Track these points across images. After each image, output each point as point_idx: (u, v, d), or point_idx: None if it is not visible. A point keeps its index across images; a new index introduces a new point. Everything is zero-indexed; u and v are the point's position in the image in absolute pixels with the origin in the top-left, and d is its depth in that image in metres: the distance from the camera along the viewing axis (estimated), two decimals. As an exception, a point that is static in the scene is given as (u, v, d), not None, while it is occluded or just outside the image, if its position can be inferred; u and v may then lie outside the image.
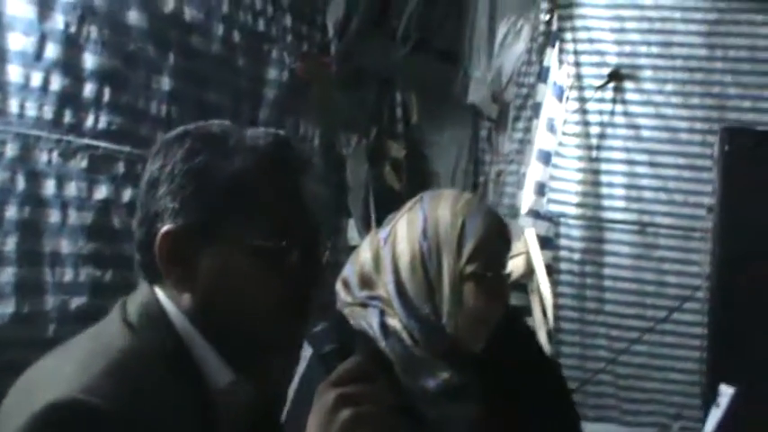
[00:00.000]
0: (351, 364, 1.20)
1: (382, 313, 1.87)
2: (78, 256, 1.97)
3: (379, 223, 2.80)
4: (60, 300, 1.92)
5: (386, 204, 3.00)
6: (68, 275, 1.94)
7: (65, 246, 1.93)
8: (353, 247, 2.66)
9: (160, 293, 1.21)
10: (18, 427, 1.03)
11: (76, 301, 1.95)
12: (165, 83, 2.18)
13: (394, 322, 1.86)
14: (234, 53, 2.41)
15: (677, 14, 4.16)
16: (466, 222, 1.86)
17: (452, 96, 3.31)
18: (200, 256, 1.18)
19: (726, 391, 2.17)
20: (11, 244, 1.81)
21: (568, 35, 4.27)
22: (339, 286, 1.96)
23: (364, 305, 1.88)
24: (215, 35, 2.34)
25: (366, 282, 1.89)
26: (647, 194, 4.20)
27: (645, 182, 4.20)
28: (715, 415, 2.16)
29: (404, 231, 1.89)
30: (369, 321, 1.86)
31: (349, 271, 1.94)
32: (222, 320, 1.20)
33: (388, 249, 1.89)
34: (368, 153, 2.93)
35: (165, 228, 1.17)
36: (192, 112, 2.24)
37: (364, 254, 1.93)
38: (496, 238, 1.89)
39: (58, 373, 1.11)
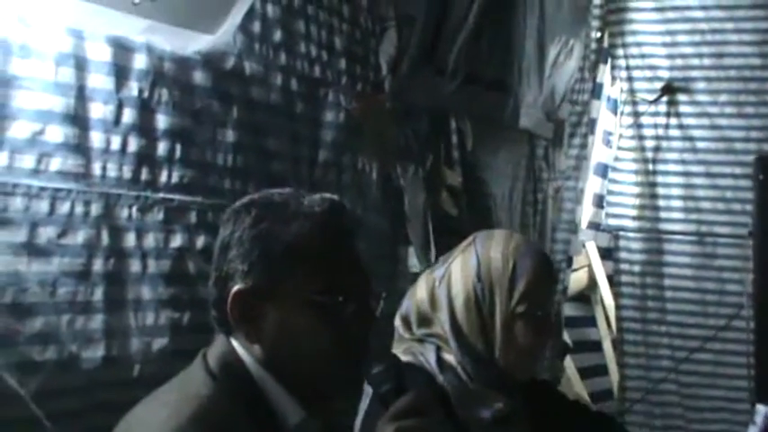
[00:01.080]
0: (406, 401, 1.34)
1: (439, 349, 2.00)
2: (158, 302, 2.05)
3: (438, 250, 2.93)
4: (144, 342, 2.01)
5: (444, 230, 3.13)
6: (150, 319, 2.04)
7: (146, 292, 2.03)
8: (415, 274, 2.79)
9: (236, 344, 1.37)
10: None
11: (158, 343, 2.04)
12: (230, 135, 2.27)
13: (450, 358, 1.99)
14: (292, 100, 2.49)
15: (729, 25, 4.20)
16: (516, 265, 1.98)
17: (505, 122, 3.41)
18: (267, 312, 1.34)
19: (762, 410, 2.24)
20: (99, 294, 1.91)
21: (620, 51, 4.36)
22: (398, 322, 2.09)
23: (421, 341, 2.02)
24: (274, 85, 2.43)
25: (423, 319, 2.02)
26: (705, 205, 4.24)
27: (702, 192, 4.25)
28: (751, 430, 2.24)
29: (458, 272, 2.01)
30: (426, 357, 2.00)
31: (407, 308, 2.08)
32: (289, 367, 1.35)
33: (444, 289, 2.01)
34: (424, 182, 3.02)
35: (236, 288, 1.34)
36: (255, 160, 2.34)
37: (420, 292, 2.06)
38: (544, 279, 2.01)
39: (153, 419, 1.27)
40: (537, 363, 2.04)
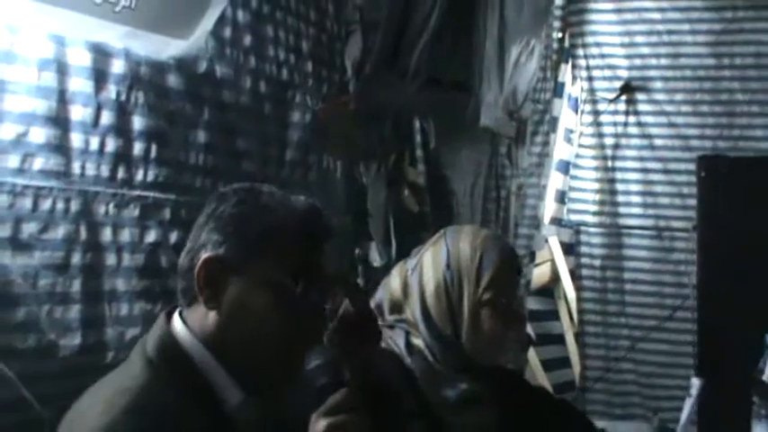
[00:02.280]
0: (340, 396, 1.42)
1: (408, 334, 2.12)
2: (132, 293, 2.13)
3: (399, 245, 3.05)
4: (118, 331, 2.09)
5: (406, 226, 3.24)
6: (124, 310, 2.11)
7: (121, 284, 2.11)
8: (376, 269, 2.91)
9: (176, 326, 1.42)
10: None
11: (131, 332, 2.11)
12: (202, 135, 2.36)
13: (418, 342, 2.11)
14: (261, 102, 2.59)
15: (685, 26, 4.36)
16: (483, 256, 2.11)
17: (466, 122, 3.54)
18: (231, 282, 1.40)
19: (695, 383, 2.42)
20: (76, 285, 1.99)
21: (580, 51, 4.50)
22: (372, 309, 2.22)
23: (392, 327, 2.15)
24: (243, 88, 2.52)
25: (395, 307, 2.15)
26: (662, 200, 4.40)
27: (659, 188, 4.40)
28: (688, 403, 2.42)
29: (429, 262, 2.14)
30: (396, 341, 2.12)
31: (381, 296, 2.20)
32: (237, 341, 1.40)
33: (416, 277, 2.14)
34: (386, 180, 3.13)
35: (207, 254, 1.40)
36: (226, 159, 2.44)
37: (394, 282, 2.19)
38: (509, 269, 2.14)
39: (89, 413, 1.32)
40: (501, 348, 2.16)
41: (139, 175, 2.17)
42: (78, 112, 2.01)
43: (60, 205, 1.96)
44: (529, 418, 2.19)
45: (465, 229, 2.18)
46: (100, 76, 2.05)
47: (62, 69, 1.97)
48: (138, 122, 2.16)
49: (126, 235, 2.13)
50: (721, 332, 2.90)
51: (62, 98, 1.97)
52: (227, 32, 2.47)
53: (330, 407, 1.41)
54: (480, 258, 2.08)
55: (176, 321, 1.43)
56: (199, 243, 1.43)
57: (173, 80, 2.28)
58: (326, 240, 1.49)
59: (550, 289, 4.95)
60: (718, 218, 3.11)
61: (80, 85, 2.01)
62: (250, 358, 1.41)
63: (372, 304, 2.17)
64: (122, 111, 2.12)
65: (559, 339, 4.77)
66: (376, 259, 3.05)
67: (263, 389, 1.45)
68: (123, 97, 2.12)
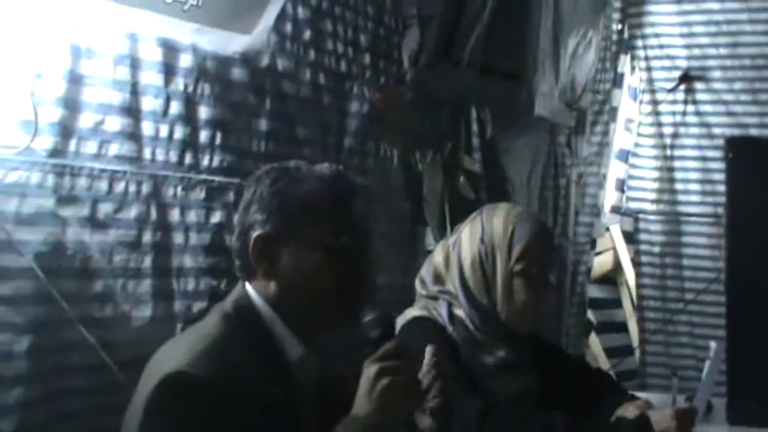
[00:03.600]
0: (390, 346, 1.58)
1: (450, 305, 2.27)
2: (198, 270, 2.27)
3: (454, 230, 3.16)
4: (185, 305, 2.23)
5: (461, 212, 3.33)
6: (191, 285, 2.25)
7: (188, 261, 2.25)
8: (430, 251, 3.02)
9: (250, 290, 1.63)
10: (146, 393, 1.47)
11: (198, 306, 2.25)
12: (264, 124, 2.49)
13: (459, 312, 2.25)
14: (320, 93, 2.71)
15: (743, 16, 4.36)
16: (515, 230, 2.24)
17: (520, 111, 3.64)
18: (281, 253, 1.61)
19: (713, 346, 2.54)
20: (147, 261, 2.14)
21: (639, 42, 4.54)
22: (417, 283, 2.37)
23: (435, 298, 2.29)
24: (303, 80, 2.64)
25: (438, 278, 2.30)
26: (722, 188, 4.40)
27: (718, 176, 4.40)
28: (706, 365, 2.53)
29: (467, 238, 2.29)
30: (439, 311, 2.27)
31: (425, 270, 2.36)
32: (296, 300, 1.61)
33: (455, 252, 2.29)
34: (442, 167, 3.24)
35: (256, 233, 1.61)
36: (286, 146, 2.55)
37: (437, 256, 2.34)
38: (540, 241, 2.26)
39: (174, 353, 1.53)
40: (535, 316, 2.29)
41: (205, 161, 2.31)
42: (149, 103, 2.16)
43: (133, 188, 2.11)
44: (565, 385, 2.31)
45: (500, 206, 2.31)
46: (169, 70, 2.20)
47: (135, 64, 2.12)
48: (204, 112, 2.30)
49: (193, 216, 2.27)
50: (751, 307, 2.95)
51: (135, 90, 2.12)
52: (288, 27, 2.60)
53: (382, 353, 1.56)
54: (512, 232, 2.22)
55: (249, 287, 1.64)
56: (247, 224, 1.64)
57: (237, 73, 2.41)
58: (354, 197, 1.67)
59: (612, 277, 4.99)
60: (745, 199, 3.12)
61: (151, 78, 2.16)
62: (309, 314, 1.62)
63: (417, 278, 2.31)
64: (190, 101, 2.26)
65: (623, 327, 4.82)
66: (431, 243, 3.17)
67: (321, 343, 1.65)
68: (191, 89, 2.26)
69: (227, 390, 1.48)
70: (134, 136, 2.13)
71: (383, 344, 1.58)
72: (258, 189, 1.65)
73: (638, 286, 4.63)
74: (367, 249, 1.67)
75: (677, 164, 4.50)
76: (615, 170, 4.63)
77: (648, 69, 4.53)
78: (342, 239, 1.61)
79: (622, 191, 4.68)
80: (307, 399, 1.65)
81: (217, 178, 2.33)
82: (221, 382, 1.48)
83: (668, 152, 4.53)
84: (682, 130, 4.49)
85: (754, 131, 4.32)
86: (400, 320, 2.27)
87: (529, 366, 2.26)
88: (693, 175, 4.48)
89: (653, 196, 4.56)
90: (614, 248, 4.95)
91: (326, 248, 1.61)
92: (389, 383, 1.52)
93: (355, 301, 1.65)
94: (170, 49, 2.20)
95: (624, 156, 4.67)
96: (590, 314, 4.75)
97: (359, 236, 1.65)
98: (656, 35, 4.49)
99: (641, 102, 4.57)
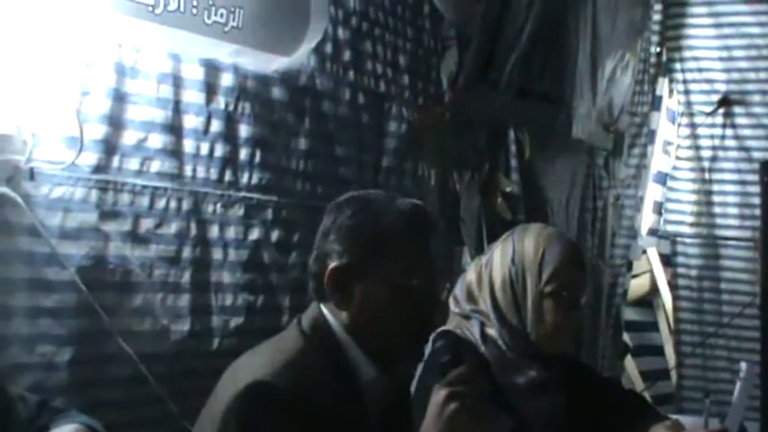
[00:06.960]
0: (460, 371, 1.61)
1: (482, 324, 2.28)
2: (236, 286, 2.30)
3: (491, 251, 3.17)
4: (223, 320, 2.26)
5: (498, 233, 3.32)
6: (229, 300, 2.29)
7: (226, 277, 2.28)
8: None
9: (325, 311, 1.67)
10: (226, 401, 1.51)
11: (235, 321, 2.29)
12: (302, 143, 2.52)
13: (491, 332, 2.26)
14: (359, 113, 2.74)
15: (785, 41, 4.33)
16: (546, 251, 2.24)
17: (557, 133, 3.64)
18: (355, 286, 1.64)
19: (743, 366, 2.53)
20: (186, 276, 2.18)
21: (678, 65, 4.52)
22: (451, 300, 2.38)
23: (468, 317, 2.30)
24: (342, 99, 2.68)
25: (470, 297, 2.30)
26: (760, 212, 4.37)
27: (756, 200, 4.36)
28: (738, 387, 2.51)
29: (498, 258, 2.29)
30: (471, 331, 2.27)
31: (458, 288, 2.36)
32: (367, 331, 1.64)
33: (487, 272, 2.29)
34: (479, 188, 3.25)
35: (333, 264, 1.64)
36: (325, 165, 2.59)
37: (470, 275, 2.35)
38: (570, 264, 2.26)
39: (254, 365, 1.57)
40: (564, 338, 2.29)
41: (245, 178, 2.35)
42: (191, 121, 2.22)
43: (173, 204, 2.16)
44: (596, 406, 2.30)
45: (532, 227, 2.32)
46: (211, 89, 2.25)
47: (177, 83, 2.17)
48: (244, 130, 2.35)
49: (231, 232, 2.31)
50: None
51: (177, 108, 2.17)
52: (328, 48, 2.64)
53: (451, 379, 1.59)
54: (543, 254, 2.22)
55: (324, 309, 1.67)
56: (323, 251, 1.66)
57: (276, 92, 2.45)
58: (432, 234, 1.69)
59: (649, 300, 4.95)
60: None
61: (193, 96, 2.21)
62: (379, 343, 1.65)
63: (451, 296, 2.33)
64: (230, 120, 2.31)
65: (659, 350, 4.78)
66: (468, 263, 3.17)
67: (391, 368, 1.69)
68: (231, 108, 2.30)
69: (306, 402, 1.53)
70: (176, 153, 2.17)
71: (451, 369, 1.62)
72: (338, 219, 1.67)
73: (675, 309, 4.59)
74: (438, 288, 1.71)
75: (715, 187, 4.47)
76: (653, 193, 4.60)
77: (687, 92, 4.51)
78: (414, 279, 1.64)
79: (660, 213, 4.65)
80: (377, 419, 1.68)
81: (256, 195, 2.37)
82: (301, 394, 1.53)
83: (706, 175, 4.50)
84: (720, 153, 4.46)
85: (793, 156, 4.27)
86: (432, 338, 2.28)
87: (559, 387, 2.26)
88: (731, 199, 4.44)
89: (691, 219, 4.52)
90: (651, 271, 4.91)
91: (401, 286, 1.63)
92: (458, 408, 1.55)
93: (421, 338, 1.71)
94: (211, 68, 2.25)
95: (662, 178, 4.64)
96: (626, 337, 4.70)
97: (432, 275, 1.68)
98: (695, 58, 4.47)
99: (679, 125, 4.55)
